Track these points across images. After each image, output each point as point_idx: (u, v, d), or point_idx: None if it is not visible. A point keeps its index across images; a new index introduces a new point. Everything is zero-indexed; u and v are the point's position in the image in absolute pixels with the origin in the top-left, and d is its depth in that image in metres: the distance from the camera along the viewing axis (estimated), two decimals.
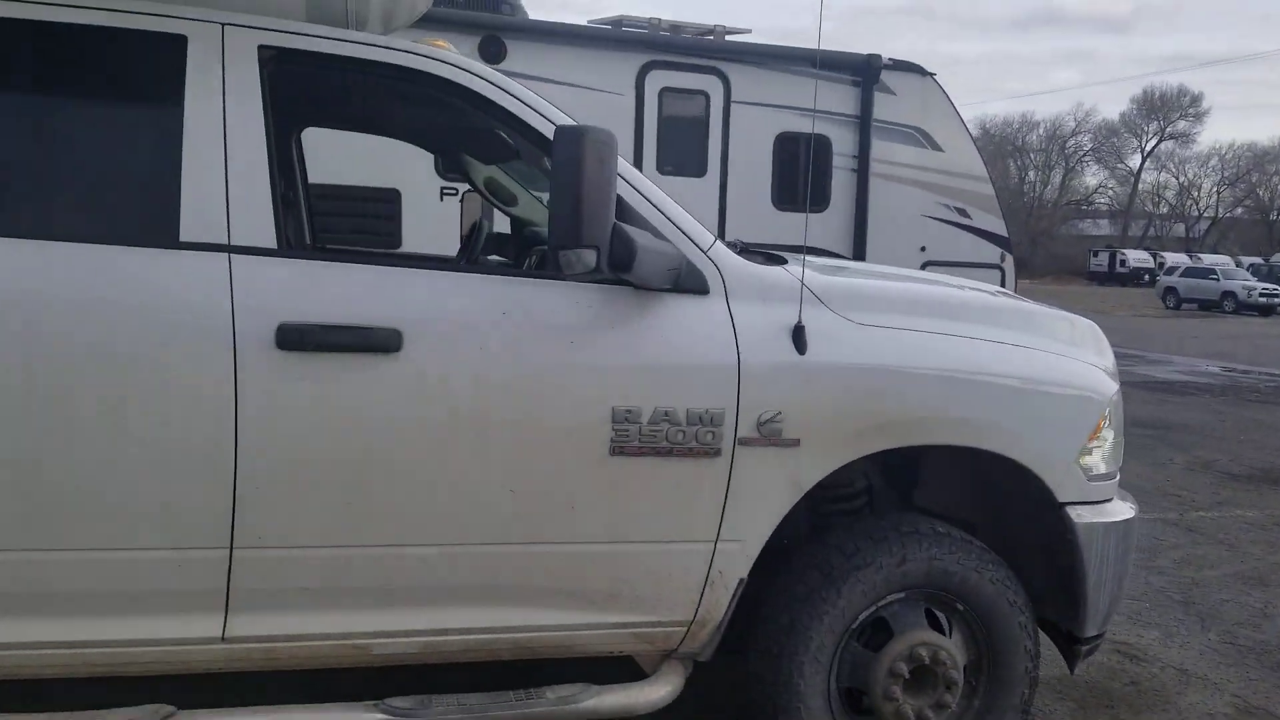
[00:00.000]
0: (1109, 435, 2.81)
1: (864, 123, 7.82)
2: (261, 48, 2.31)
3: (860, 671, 2.62)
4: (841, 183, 8.07)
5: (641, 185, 2.49)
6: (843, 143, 7.90)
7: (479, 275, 2.38)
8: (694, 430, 2.38)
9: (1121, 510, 2.85)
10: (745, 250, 2.93)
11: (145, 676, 2.30)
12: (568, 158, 1.98)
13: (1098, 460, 2.78)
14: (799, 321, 2.47)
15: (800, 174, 7.85)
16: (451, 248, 5.17)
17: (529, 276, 2.33)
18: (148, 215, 2.19)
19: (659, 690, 2.52)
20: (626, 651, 2.57)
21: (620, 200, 2.42)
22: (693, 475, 2.41)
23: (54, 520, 2.09)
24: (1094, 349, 2.93)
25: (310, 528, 2.23)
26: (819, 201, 7.95)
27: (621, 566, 2.42)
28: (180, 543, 2.17)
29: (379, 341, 2.20)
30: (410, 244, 6.75)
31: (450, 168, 3.93)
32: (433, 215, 6.98)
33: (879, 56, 7.75)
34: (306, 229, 4.13)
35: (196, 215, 2.17)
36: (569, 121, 2.32)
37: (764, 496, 2.47)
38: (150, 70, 2.24)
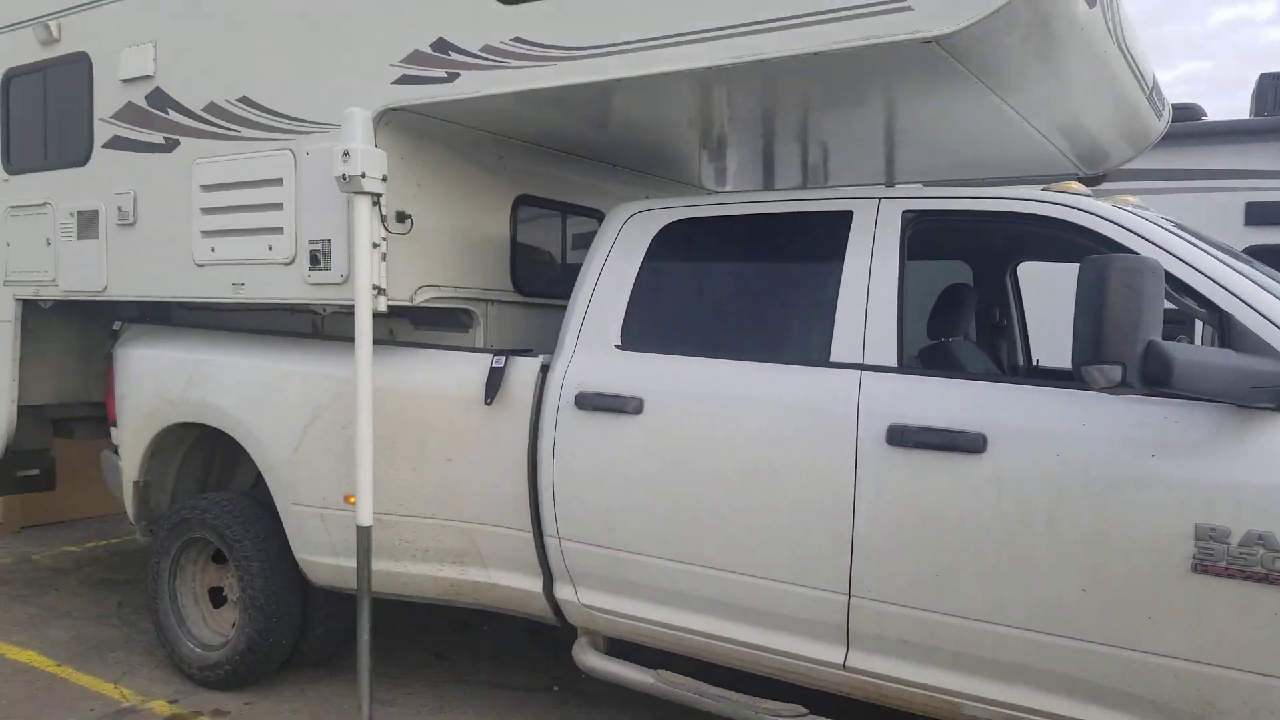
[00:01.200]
0: None
1: None
2: (905, 212, 2.92)
3: None
4: None
5: (1258, 303, 2.39)
6: None
7: (1061, 389, 2.54)
8: None
9: None
10: None
11: (795, 685, 2.99)
12: (1089, 283, 2.13)
13: None
14: None
15: None
16: None
17: (1113, 392, 2.43)
18: (813, 343, 2.94)
19: None
20: None
21: (1229, 319, 2.39)
22: None
23: (730, 549, 2.93)
24: None
25: (907, 590, 2.68)
26: None
27: (1210, 690, 2.30)
28: (815, 583, 2.82)
29: (964, 443, 2.57)
30: None
31: None
32: None
33: None
34: (1019, 352, 4.55)
35: (843, 342, 2.86)
36: (1171, 238, 2.44)
37: None
38: (831, 238, 3.00)
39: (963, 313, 3.71)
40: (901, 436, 2.67)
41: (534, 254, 4.17)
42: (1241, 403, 2.27)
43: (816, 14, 2.49)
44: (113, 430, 4.60)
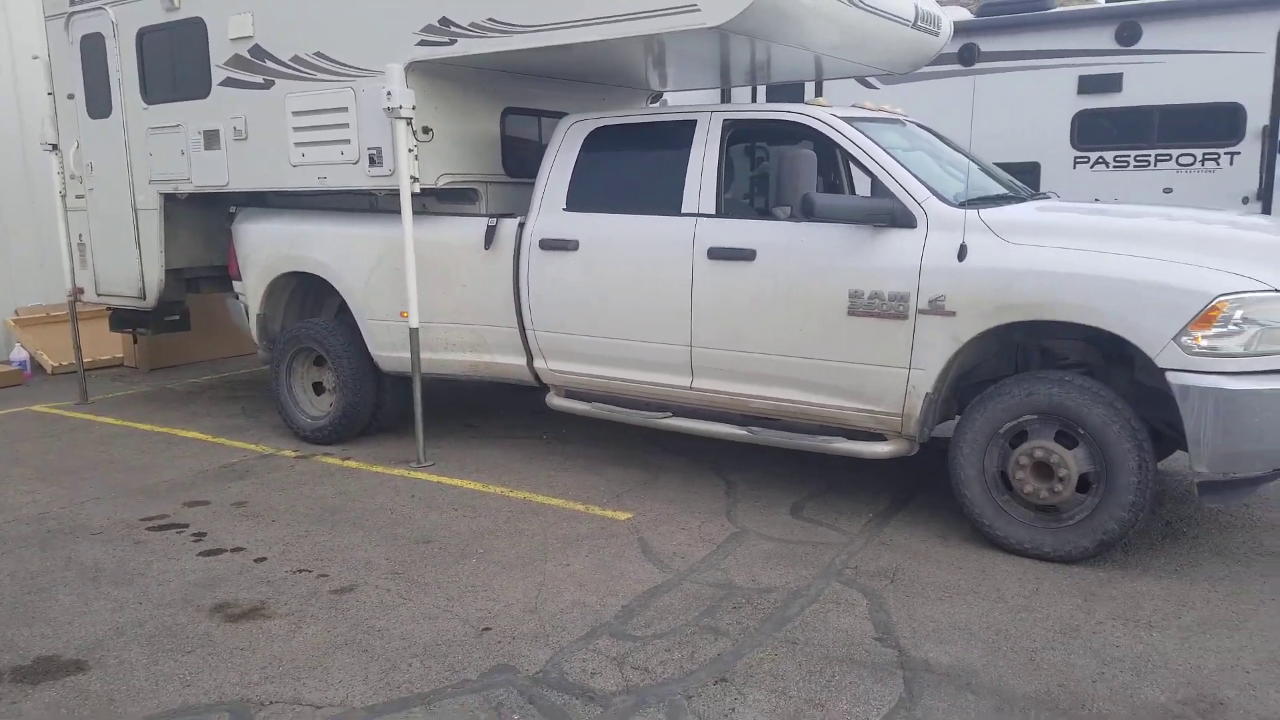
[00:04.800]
0: (1234, 325, 3.87)
1: None
2: (724, 120, 5.19)
3: (1004, 459, 4.37)
4: None
5: (890, 168, 4.66)
6: None
7: (790, 222, 4.81)
8: (892, 304, 4.51)
9: (1238, 382, 3.87)
10: (1033, 196, 4.80)
11: (664, 404, 5.42)
12: (776, 165, 4.43)
13: (1219, 342, 3.89)
14: (963, 242, 4.36)
15: None
16: None
17: (814, 222, 4.71)
18: (672, 201, 5.23)
19: (879, 448, 4.72)
20: (873, 429, 4.76)
21: (875, 178, 4.68)
22: (892, 329, 4.53)
23: (627, 327, 5.32)
24: (1236, 257, 3.98)
25: (719, 339, 5.05)
26: None
27: (858, 376, 4.68)
28: (673, 341, 5.20)
29: (745, 255, 4.91)
30: None
31: None
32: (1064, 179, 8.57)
33: None
34: None
35: (688, 200, 5.17)
36: (855, 134, 4.73)
37: (935, 345, 4.43)
38: (684, 136, 5.26)
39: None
40: (715, 253, 5.01)
41: (518, 147, 6.44)
42: (870, 223, 4.57)
43: (645, 12, 4.72)
44: (235, 284, 7.10)
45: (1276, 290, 3.91)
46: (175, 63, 6.90)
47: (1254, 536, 4.66)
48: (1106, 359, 4.52)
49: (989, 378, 4.67)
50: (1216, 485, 4.07)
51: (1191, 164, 7.95)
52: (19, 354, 9.06)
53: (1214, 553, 4.46)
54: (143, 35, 7.03)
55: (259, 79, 6.39)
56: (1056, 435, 4.26)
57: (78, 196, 7.77)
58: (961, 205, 4.56)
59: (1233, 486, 4.07)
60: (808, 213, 4.46)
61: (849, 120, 4.93)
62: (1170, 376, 3.96)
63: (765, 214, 5.31)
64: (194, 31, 6.70)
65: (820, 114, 4.95)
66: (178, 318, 7.76)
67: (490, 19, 5.31)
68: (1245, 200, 7.71)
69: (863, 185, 5.71)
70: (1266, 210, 7.61)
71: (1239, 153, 7.76)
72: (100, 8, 7.20)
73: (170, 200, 7.20)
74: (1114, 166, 8.25)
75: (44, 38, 7.81)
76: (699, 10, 4.63)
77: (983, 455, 4.42)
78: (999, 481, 4.43)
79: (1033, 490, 4.31)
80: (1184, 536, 4.66)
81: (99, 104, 7.42)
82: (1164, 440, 4.59)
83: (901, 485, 5.45)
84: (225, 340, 9.57)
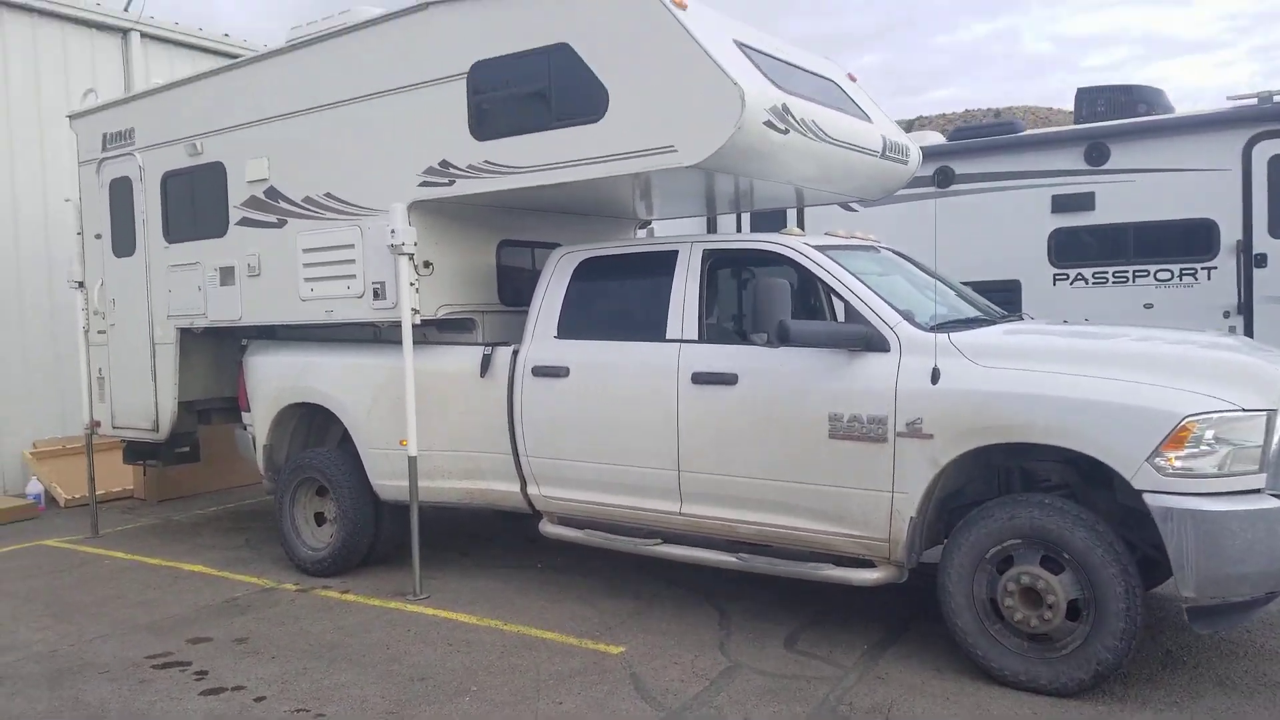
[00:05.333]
0: (1205, 445, 3.82)
1: None
2: (704, 251, 5.28)
3: (992, 585, 4.25)
4: None
5: (861, 294, 4.71)
6: None
7: (769, 348, 4.83)
8: (871, 427, 4.48)
9: (1217, 503, 3.79)
10: (1004, 319, 4.82)
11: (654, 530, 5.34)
12: (750, 291, 4.48)
13: (1193, 462, 3.82)
14: (935, 365, 4.36)
15: None
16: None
17: (794, 347, 4.73)
18: (656, 328, 5.29)
19: (868, 575, 4.60)
20: (861, 555, 4.66)
21: (848, 304, 4.72)
22: (872, 452, 4.49)
23: (617, 452, 5.30)
24: (1205, 378, 3.94)
25: (706, 462, 5.02)
26: None
27: (842, 499, 4.61)
28: (661, 465, 5.17)
29: (727, 379, 4.92)
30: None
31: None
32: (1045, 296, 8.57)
33: None
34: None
35: (671, 327, 5.22)
36: (827, 261, 4.81)
37: (915, 467, 4.38)
38: (667, 266, 5.36)
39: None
40: (698, 378, 5.03)
41: (513, 276, 6.56)
42: (845, 347, 4.59)
43: (627, 153, 4.88)
44: (244, 415, 7.16)
45: (1245, 410, 3.87)
46: (196, 204, 7.15)
47: (1257, 665, 4.47)
48: (1087, 481, 4.44)
49: (975, 500, 4.58)
50: (1207, 611, 3.93)
51: (1169, 279, 7.98)
52: (34, 487, 9.11)
53: (1216, 683, 4.27)
54: (167, 179, 7.32)
55: (273, 218, 6.61)
56: (1042, 560, 4.15)
57: (100, 332, 7.95)
58: (933, 329, 4.57)
59: (1224, 612, 3.94)
60: (783, 339, 4.49)
61: (821, 248, 5.02)
62: (1148, 498, 3.88)
63: (747, 339, 5.37)
64: (214, 175, 6.96)
65: (793, 243, 5.04)
66: (188, 449, 7.81)
67: (486, 161, 5.50)
68: (1226, 314, 7.69)
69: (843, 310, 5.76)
70: (1249, 322, 7.58)
71: (1215, 267, 7.79)
72: (130, 153, 7.53)
73: (185, 334, 7.34)
74: (1093, 283, 8.30)
75: (76, 181, 8.14)
76: (676, 151, 4.78)
77: (971, 581, 4.30)
78: (989, 609, 4.29)
79: (1023, 618, 4.17)
80: (1184, 665, 4.48)
81: (124, 243, 7.68)
82: (1158, 567, 4.45)
83: (897, 613, 5.30)
84: (231, 471, 9.60)
